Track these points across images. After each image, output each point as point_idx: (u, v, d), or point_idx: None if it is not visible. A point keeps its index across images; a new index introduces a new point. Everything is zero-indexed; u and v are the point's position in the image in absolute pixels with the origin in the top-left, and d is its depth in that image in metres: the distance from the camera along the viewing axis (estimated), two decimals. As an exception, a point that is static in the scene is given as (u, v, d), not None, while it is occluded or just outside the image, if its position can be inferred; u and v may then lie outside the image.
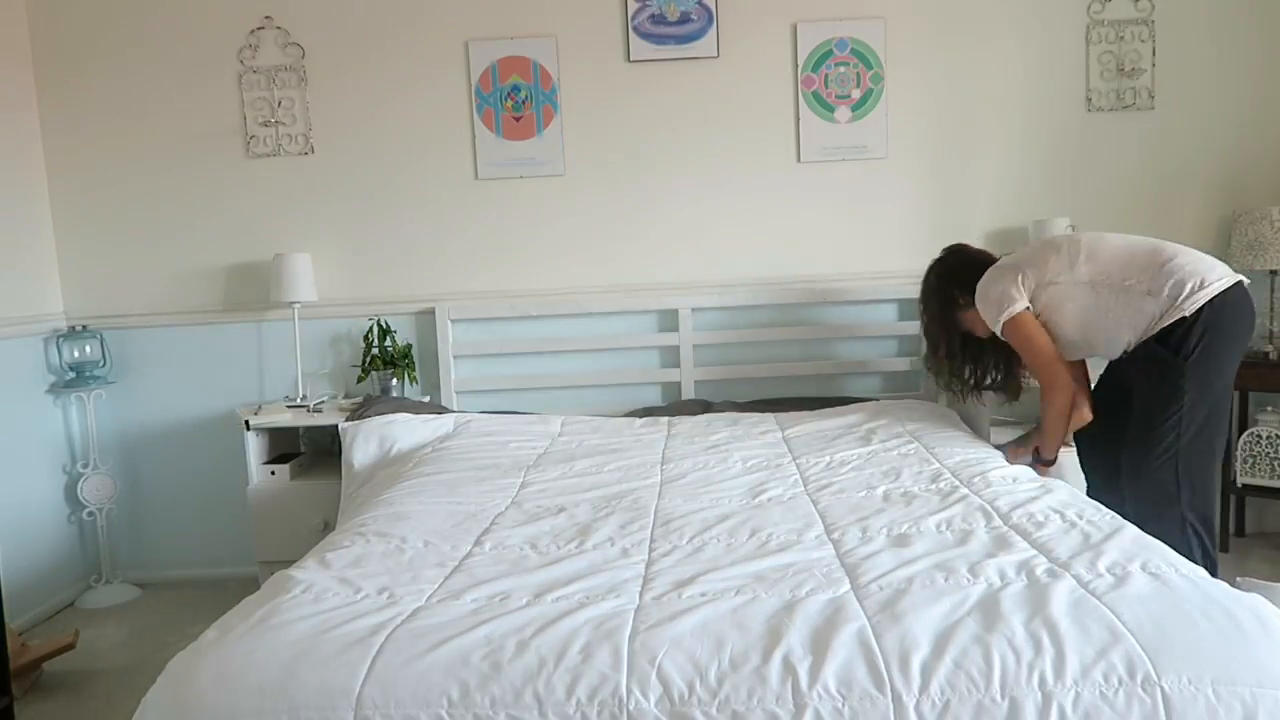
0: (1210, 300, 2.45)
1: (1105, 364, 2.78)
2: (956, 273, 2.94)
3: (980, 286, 2.80)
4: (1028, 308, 2.69)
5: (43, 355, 3.64)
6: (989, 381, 3.04)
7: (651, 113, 3.65)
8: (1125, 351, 2.60)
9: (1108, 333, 2.61)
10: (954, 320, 2.96)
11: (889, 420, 3.09)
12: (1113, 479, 2.65)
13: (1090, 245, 2.68)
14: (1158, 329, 2.50)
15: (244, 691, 1.43)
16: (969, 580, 1.67)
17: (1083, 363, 2.88)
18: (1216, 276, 2.49)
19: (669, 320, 3.71)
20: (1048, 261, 2.70)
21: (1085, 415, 2.83)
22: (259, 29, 3.64)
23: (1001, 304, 2.71)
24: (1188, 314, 2.45)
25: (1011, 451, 2.88)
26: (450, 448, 2.97)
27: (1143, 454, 2.54)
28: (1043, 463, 2.80)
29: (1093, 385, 2.90)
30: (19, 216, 3.56)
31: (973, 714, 1.36)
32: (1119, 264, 2.60)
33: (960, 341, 2.99)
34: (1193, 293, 2.46)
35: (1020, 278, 2.71)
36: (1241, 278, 2.53)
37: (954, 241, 3.24)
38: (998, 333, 2.75)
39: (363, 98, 3.66)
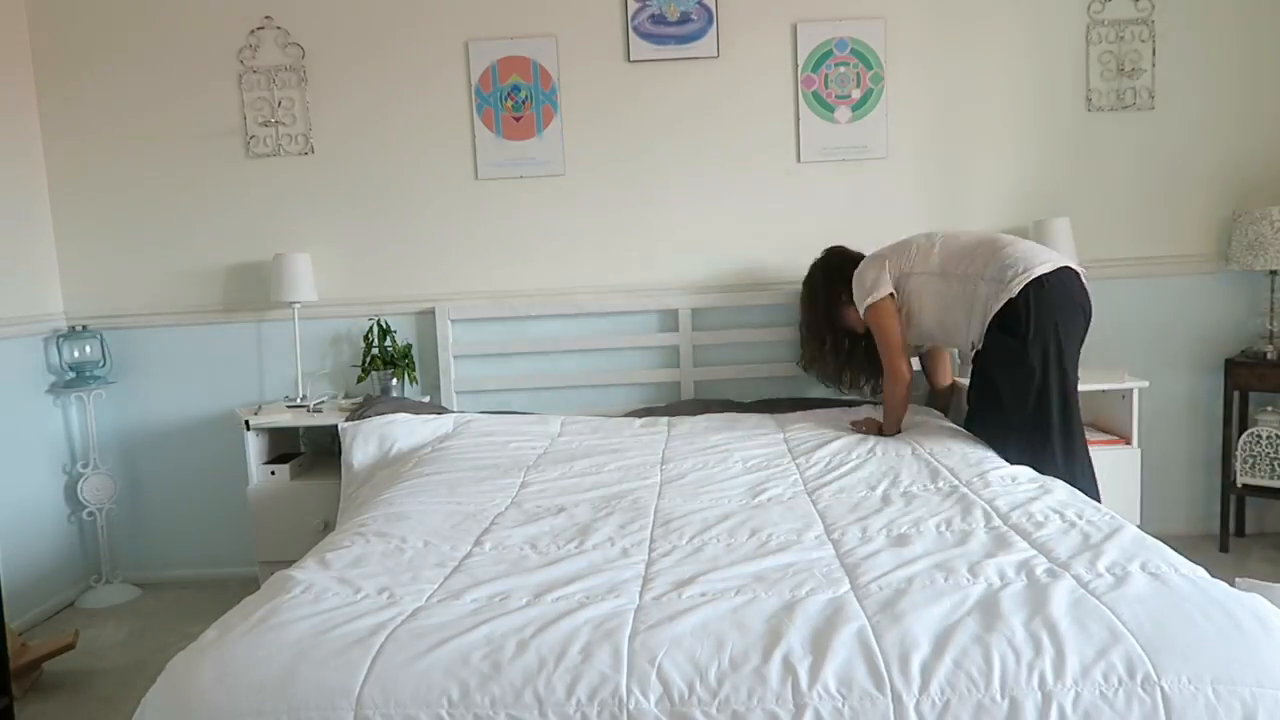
0: (1031, 282, 2.66)
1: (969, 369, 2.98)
2: (840, 270, 3.18)
3: (856, 273, 3.07)
4: (891, 295, 2.96)
5: (43, 355, 3.64)
6: (864, 378, 3.36)
7: (651, 113, 3.65)
8: (975, 345, 2.82)
9: (958, 321, 2.86)
10: (839, 315, 3.22)
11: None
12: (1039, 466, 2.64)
13: (945, 238, 2.97)
14: (993, 314, 2.71)
15: (244, 691, 1.43)
16: (969, 580, 1.67)
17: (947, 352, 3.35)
18: (1041, 261, 2.71)
19: (669, 320, 3.71)
20: (909, 253, 2.98)
21: (945, 378, 3.37)
22: (259, 29, 3.64)
23: (869, 289, 2.98)
24: (1014, 295, 2.67)
25: (854, 424, 3.06)
26: (450, 448, 2.97)
27: (1041, 438, 2.70)
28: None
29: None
30: (19, 216, 3.56)
31: (973, 714, 1.36)
32: (964, 254, 2.87)
33: (842, 338, 3.26)
34: (1015, 276, 2.69)
35: (886, 265, 2.99)
36: (1070, 265, 2.74)
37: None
38: (862, 314, 3.02)
39: (363, 98, 3.66)
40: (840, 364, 3.33)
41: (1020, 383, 2.70)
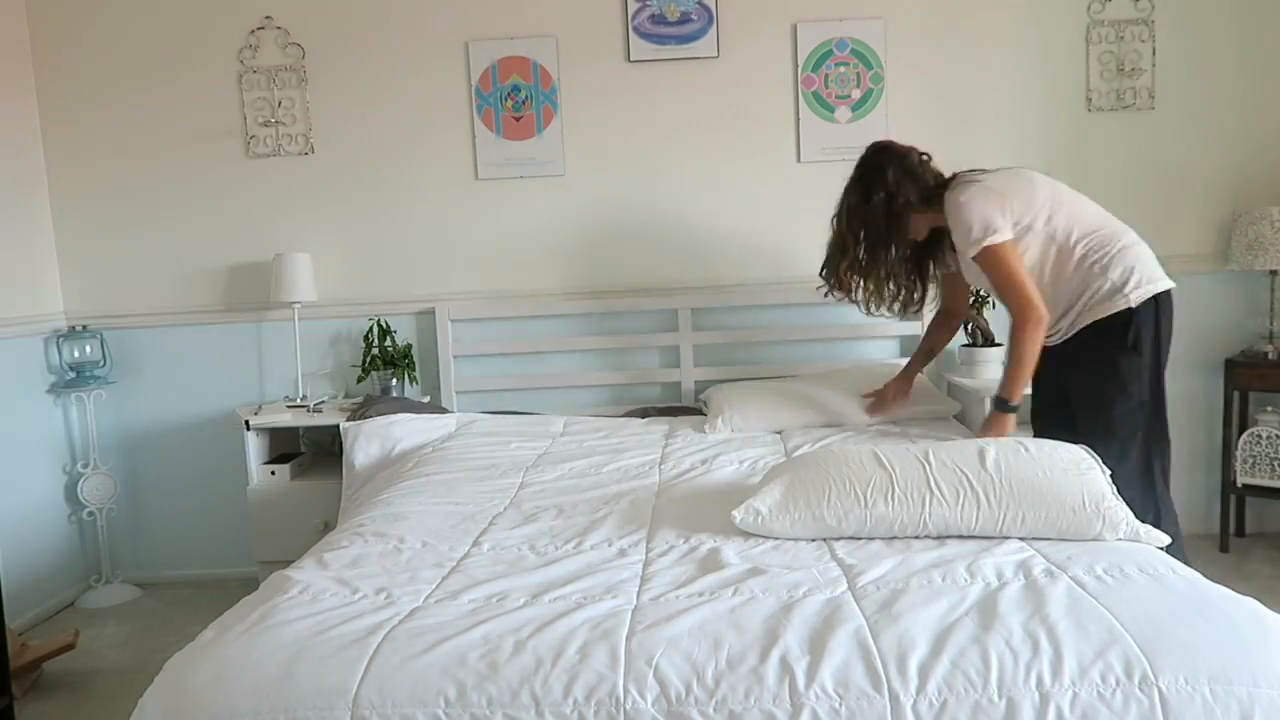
0: (1154, 296, 2.48)
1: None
2: (914, 172, 2.65)
3: (960, 201, 2.51)
4: (1010, 240, 2.49)
5: (43, 355, 3.64)
6: (914, 296, 2.80)
7: (651, 113, 3.65)
8: (1060, 335, 2.58)
9: (1046, 297, 2.53)
10: (904, 222, 2.65)
11: (888, 419, 3.09)
12: None
13: (1070, 201, 2.59)
14: (1096, 315, 2.49)
15: (241, 692, 1.43)
16: (966, 580, 1.67)
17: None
18: (1160, 275, 2.52)
19: (669, 320, 3.71)
20: (1033, 200, 2.54)
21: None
22: (259, 29, 3.64)
23: (987, 227, 2.47)
24: (1133, 305, 2.46)
25: (872, 403, 3.02)
26: (450, 448, 2.97)
27: (1103, 449, 2.37)
28: (1007, 411, 2.56)
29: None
30: (19, 217, 3.56)
31: (970, 714, 1.36)
32: (1087, 231, 2.53)
33: (901, 248, 2.69)
34: (1139, 284, 2.47)
35: (1005, 207, 2.50)
36: (1173, 285, 2.55)
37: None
38: (966, 256, 2.54)
39: (363, 98, 3.66)
40: (898, 278, 2.72)
41: (1111, 388, 2.49)
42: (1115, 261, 2.49)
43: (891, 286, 2.73)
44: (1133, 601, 1.53)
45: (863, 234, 2.65)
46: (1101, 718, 1.36)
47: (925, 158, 2.69)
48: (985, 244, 2.48)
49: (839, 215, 2.71)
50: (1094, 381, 2.54)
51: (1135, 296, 2.46)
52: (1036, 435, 2.61)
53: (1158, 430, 2.53)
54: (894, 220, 2.62)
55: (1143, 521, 2.17)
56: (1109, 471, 2.04)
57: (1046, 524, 1.88)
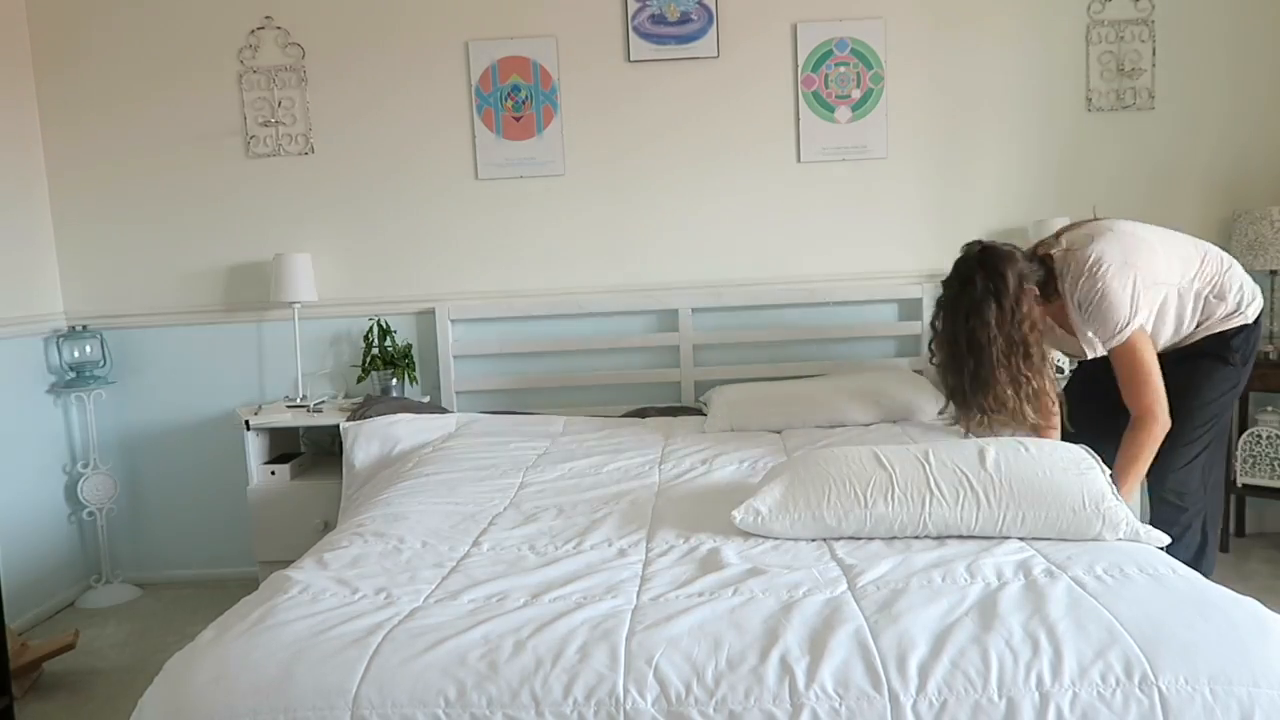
0: (1260, 310, 2.54)
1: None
2: (1019, 262, 2.37)
3: (1100, 289, 2.30)
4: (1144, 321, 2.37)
5: (43, 355, 3.64)
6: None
7: (651, 113, 3.65)
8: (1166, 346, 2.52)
9: (1166, 335, 2.49)
10: (1034, 322, 2.35)
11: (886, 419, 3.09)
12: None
13: (1166, 240, 2.48)
14: (1214, 330, 2.49)
15: (241, 692, 1.43)
16: (966, 580, 1.67)
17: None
18: (1256, 287, 2.56)
19: (669, 320, 3.71)
20: (1154, 256, 2.38)
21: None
22: (259, 29, 3.64)
23: (1132, 310, 2.30)
24: (1249, 320, 2.49)
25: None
26: (450, 448, 2.97)
27: (1170, 450, 2.42)
28: None
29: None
30: (19, 217, 3.56)
31: (970, 714, 1.36)
32: (1196, 264, 2.47)
33: (1030, 352, 2.35)
34: (1251, 300, 2.51)
35: (1138, 279, 2.32)
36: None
37: (954, 240, 3.20)
38: (1104, 348, 2.36)
39: (363, 98, 3.66)
40: (1035, 388, 2.37)
41: (1206, 395, 2.47)
42: (1227, 284, 2.48)
43: (1032, 389, 2.36)
44: (1133, 601, 1.53)
45: (1005, 346, 2.32)
46: (1101, 718, 1.36)
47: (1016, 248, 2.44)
48: (1129, 331, 2.31)
49: (966, 336, 2.34)
50: (1186, 379, 2.48)
51: (1251, 312, 2.49)
52: (1073, 412, 2.51)
53: (1217, 441, 2.57)
54: (1033, 323, 2.33)
55: (1190, 523, 2.40)
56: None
57: (1046, 524, 1.88)
